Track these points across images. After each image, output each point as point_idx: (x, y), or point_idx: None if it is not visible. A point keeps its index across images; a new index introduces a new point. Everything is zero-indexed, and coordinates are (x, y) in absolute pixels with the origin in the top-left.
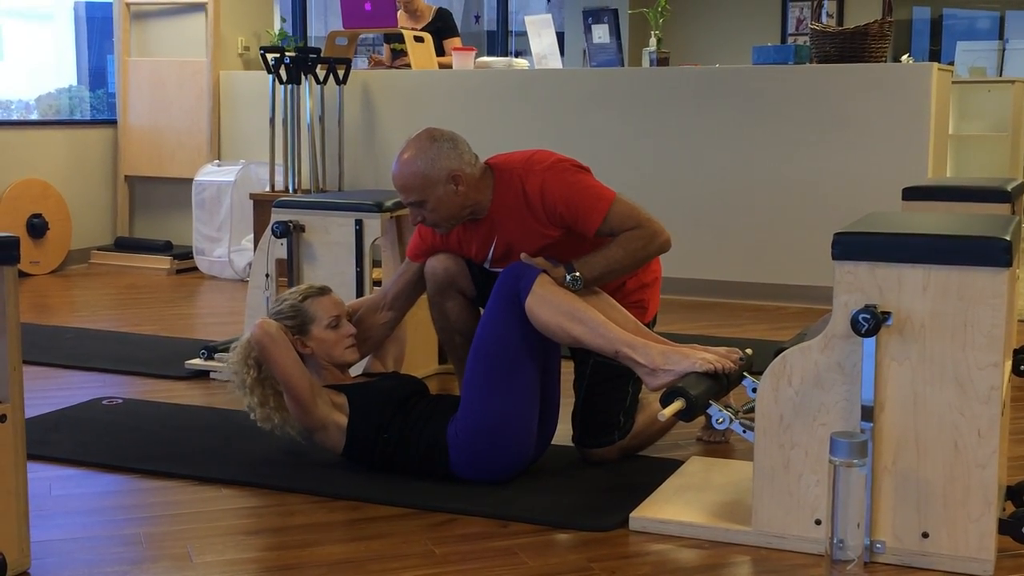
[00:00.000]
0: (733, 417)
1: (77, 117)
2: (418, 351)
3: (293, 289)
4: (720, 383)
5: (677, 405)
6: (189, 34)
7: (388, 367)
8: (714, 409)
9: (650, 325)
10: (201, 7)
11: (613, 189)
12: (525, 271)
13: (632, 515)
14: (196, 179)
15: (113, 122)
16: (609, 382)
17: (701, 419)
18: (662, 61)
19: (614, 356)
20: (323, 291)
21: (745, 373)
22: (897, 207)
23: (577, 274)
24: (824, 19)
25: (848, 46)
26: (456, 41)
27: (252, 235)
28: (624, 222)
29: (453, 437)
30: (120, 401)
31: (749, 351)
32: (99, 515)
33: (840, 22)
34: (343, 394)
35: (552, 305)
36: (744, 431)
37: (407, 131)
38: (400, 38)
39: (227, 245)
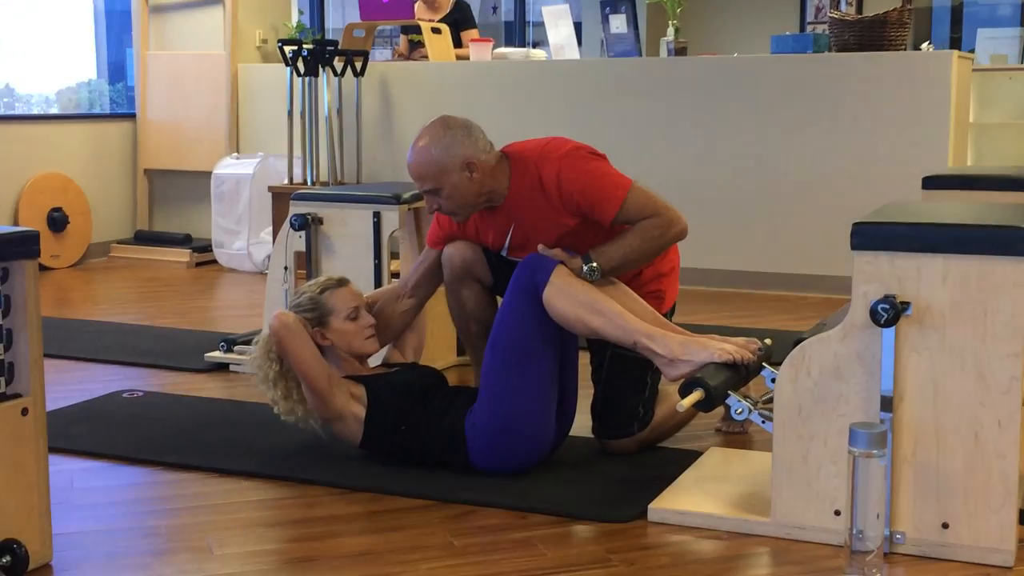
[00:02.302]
0: (752, 408)
1: (97, 111)
2: (436, 343)
3: (312, 281)
4: (739, 373)
5: (696, 395)
6: (207, 28)
7: (407, 357)
8: (733, 400)
9: (669, 315)
10: (219, 1)
11: (630, 177)
12: (542, 263)
13: (651, 506)
14: (215, 172)
15: (132, 116)
16: (627, 374)
17: (720, 410)
18: (680, 51)
19: (632, 347)
20: (341, 283)
21: (764, 363)
22: (917, 196)
23: (594, 264)
24: (843, 7)
25: (867, 34)
26: (473, 32)
27: (271, 228)
28: (641, 210)
29: (471, 429)
30: (141, 394)
31: (768, 341)
32: (120, 507)
33: (859, 10)
34: (361, 385)
35: (570, 296)
36: (763, 421)
37: (425, 123)
38: (418, 30)
39: (246, 238)
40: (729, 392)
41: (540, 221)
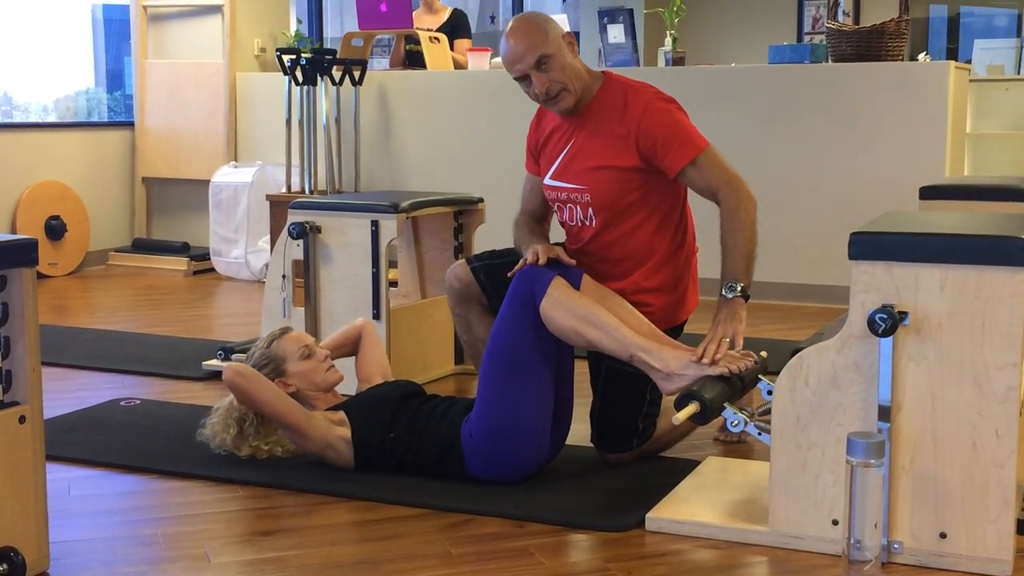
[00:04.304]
0: (748, 420)
1: (95, 119)
2: (434, 351)
3: (257, 342)
4: (735, 386)
5: (691, 408)
6: (206, 36)
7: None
8: (729, 412)
9: (677, 332)
10: (217, 9)
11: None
12: (540, 275)
13: (649, 515)
14: (213, 180)
15: (130, 124)
16: (624, 389)
17: (719, 420)
18: (677, 61)
19: (629, 360)
20: (285, 331)
21: (760, 375)
22: (914, 206)
23: (738, 285)
24: (840, 18)
25: (865, 45)
26: (467, 42)
27: (269, 236)
28: (713, 172)
29: (467, 438)
30: (138, 402)
31: (764, 354)
32: (117, 515)
33: (856, 20)
34: (340, 411)
35: (567, 309)
36: (759, 433)
37: (423, 132)
38: (416, 39)
39: (244, 246)
40: (725, 404)
41: (601, 145)
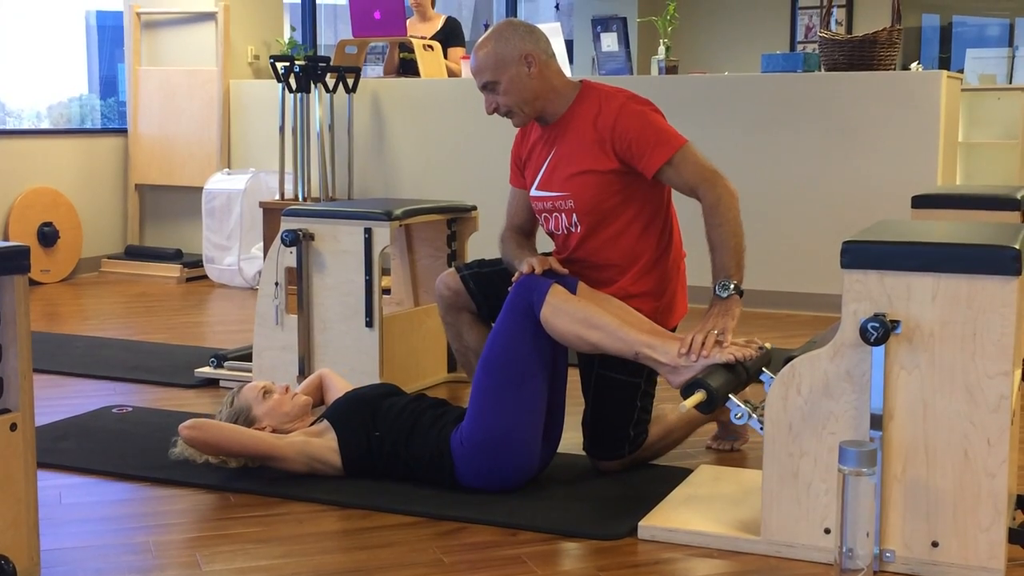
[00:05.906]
0: (751, 413)
1: (88, 126)
2: (427, 359)
3: (221, 407)
4: (739, 376)
5: (698, 397)
6: (199, 43)
7: None
8: (733, 403)
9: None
10: (211, 16)
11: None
12: (537, 284)
13: (641, 524)
14: (206, 187)
15: (124, 131)
16: (615, 396)
17: (711, 427)
18: (671, 69)
19: (634, 358)
20: (240, 386)
21: (764, 368)
22: (906, 215)
23: (731, 283)
24: (833, 27)
25: (857, 54)
26: (460, 50)
27: (262, 243)
28: (690, 170)
29: (458, 446)
30: (130, 409)
31: (768, 344)
32: (109, 523)
33: (849, 30)
34: (321, 421)
35: (567, 314)
36: (761, 428)
37: (416, 139)
38: (409, 47)
39: (237, 253)
40: (730, 395)
41: (579, 151)
